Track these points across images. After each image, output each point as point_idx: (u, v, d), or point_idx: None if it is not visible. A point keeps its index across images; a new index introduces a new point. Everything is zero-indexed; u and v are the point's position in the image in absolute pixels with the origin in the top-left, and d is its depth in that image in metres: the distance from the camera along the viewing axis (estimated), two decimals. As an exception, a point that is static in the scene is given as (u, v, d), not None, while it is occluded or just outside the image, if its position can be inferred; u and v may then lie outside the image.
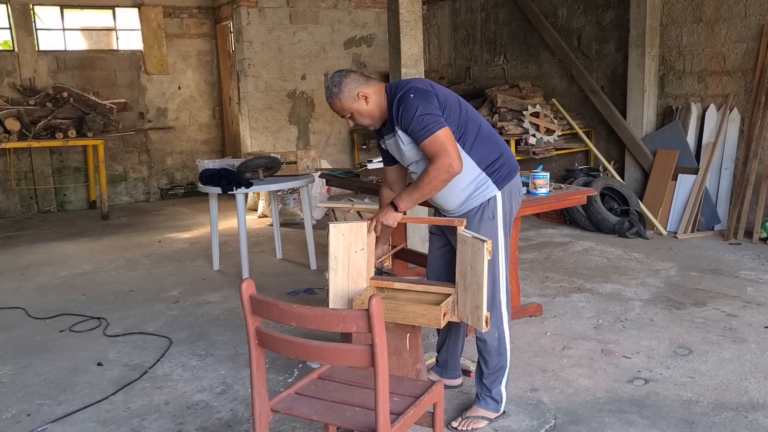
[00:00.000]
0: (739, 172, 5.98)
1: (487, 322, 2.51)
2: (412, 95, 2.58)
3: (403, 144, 2.68)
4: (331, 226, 2.66)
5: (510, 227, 2.86)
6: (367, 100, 2.66)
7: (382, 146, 2.86)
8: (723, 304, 4.19)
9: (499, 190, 2.75)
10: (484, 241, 2.43)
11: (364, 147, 9.00)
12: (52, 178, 8.56)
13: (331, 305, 2.73)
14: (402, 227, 4.75)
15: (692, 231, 6.03)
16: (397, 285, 2.81)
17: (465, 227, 2.64)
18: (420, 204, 3.25)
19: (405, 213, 2.79)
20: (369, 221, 2.76)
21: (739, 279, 4.69)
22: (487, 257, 2.42)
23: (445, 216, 2.87)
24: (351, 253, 2.70)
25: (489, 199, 2.74)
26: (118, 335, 4.07)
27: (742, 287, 4.50)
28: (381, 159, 4.49)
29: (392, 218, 2.73)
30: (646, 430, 2.77)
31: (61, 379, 3.47)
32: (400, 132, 2.65)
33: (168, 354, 3.75)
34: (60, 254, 6.19)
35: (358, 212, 3.25)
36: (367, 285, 2.76)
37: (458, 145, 2.66)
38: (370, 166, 4.90)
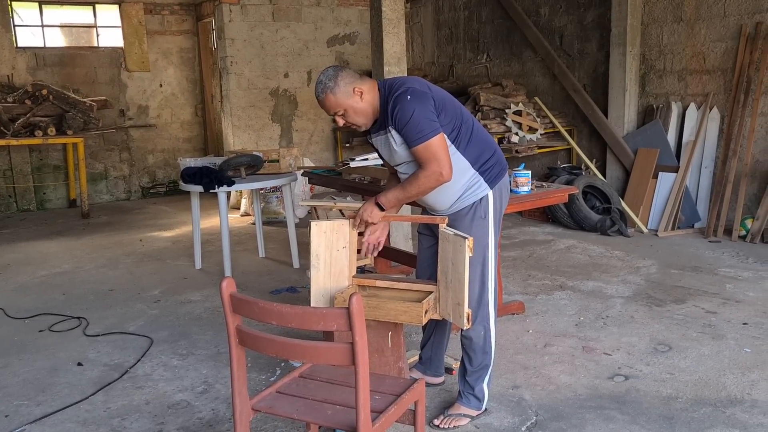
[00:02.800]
0: (718, 171, 6.04)
1: (468, 319, 2.51)
2: (408, 97, 2.53)
3: (395, 144, 2.64)
4: (313, 224, 2.65)
5: (499, 225, 2.86)
6: (362, 96, 2.59)
7: (372, 143, 2.83)
8: (702, 301, 4.23)
9: (491, 189, 2.74)
10: (465, 238, 2.44)
11: (348, 145, 8.99)
12: (32, 176, 8.45)
13: (313, 303, 2.72)
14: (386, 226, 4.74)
15: (673, 229, 6.09)
16: (379, 283, 2.81)
17: (449, 225, 2.65)
18: (408, 203, 3.25)
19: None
20: (351, 218, 2.75)
21: (718, 276, 4.74)
22: (468, 254, 2.42)
23: (432, 215, 2.86)
24: (333, 251, 2.70)
25: (481, 199, 2.73)
26: (99, 335, 4.03)
27: (721, 284, 4.55)
28: (366, 157, 4.52)
29: (375, 216, 2.72)
30: (626, 426, 2.79)
31: (40, 380, 3.43)
32: (393, 132, 2.61)
33: (149, 353, 3.72)
34: (39, 253, 6.12)
35: (340, 210, 3.24)
36: (349, 283, 2.76)
37: (453, 146, 2.64)
38: (353, 164, 4.89)
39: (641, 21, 6.61)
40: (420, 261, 3.01)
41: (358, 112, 2.61)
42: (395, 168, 2.79)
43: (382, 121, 2.65)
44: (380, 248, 2.83)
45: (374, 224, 2.76)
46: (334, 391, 2.20)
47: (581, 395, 3.07)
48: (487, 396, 2.90)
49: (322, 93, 2.58)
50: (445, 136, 2.60)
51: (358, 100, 2.59)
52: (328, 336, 2.94)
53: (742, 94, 5.87)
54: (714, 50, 6.11)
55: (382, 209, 2.71)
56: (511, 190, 3.73)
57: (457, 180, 2.67)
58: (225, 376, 3.37)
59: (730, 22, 5.96)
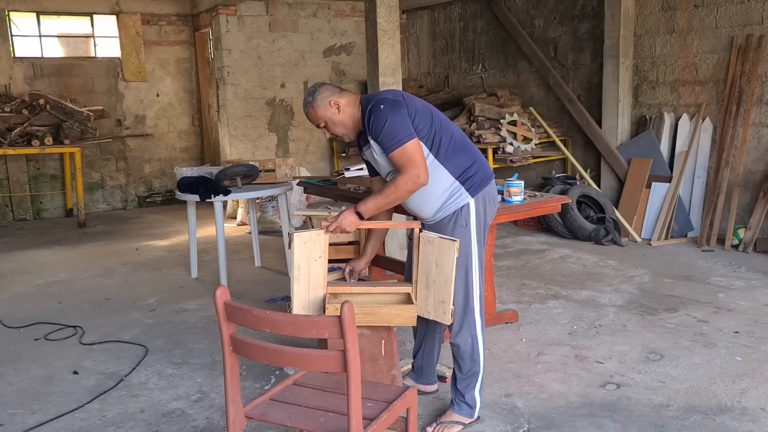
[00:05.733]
0: (711, 180, 6.09)
1: (452, 315, 2.62)
2: (382, 106, 2.65)
3: (376, 155, 2.74)
4: (295, 236, 2.64)
5: (484, 235, 2.88)
6: (339, 108, 2.74)
7: (363, 157, 2.91)
8: (694, 310, 4.26)
9: (473, 197, 2.79)
10: (453, 240, 2.53)
11: (344, 155, 9.02)
12: (28, 185, 8.47)
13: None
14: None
15: (666, 238, 6.13)
16: (354, 290, 2.83)
17: (421, 229, 2.74)
18: (397, 212, 3.29)
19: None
20: (328, 224, 2.76)
21: (710, 285, 4.77)
22: (455, 255, 2.53)
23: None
24: (311, 262, 2.71)
25: (462, 207, 2.77)
26: (94, 343, 4.04)
27: (713, 293, 4.58)
28: (361, 167, 4.56)
29: (354, 224, 2.75)
30: (618, 433, 2.82)
31: (36, 388, 3.44)
32: (373, 143, 2.71)
33: (144, 362, 3.74)
34: (35, 262, 6.13)
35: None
36: (324, 293, 2.76)
37: (432, 155, 2.72)
38: (348, 174, 4.92)
39: (634, 32, 6.67)
40: (409, 265, 3.04)
41: (336, 124, 2.78)
42: (386, 177, 2.85)
43: (364, 134, 2.75)
44: None
45: (348, 232, 2.79)
46: (327, 399, 2.22)
47: (573, 403, 3.09)
48: (479, 404, 2.92)
49: (305, 108, 2.81)
50: (422, 144, 2.67)
51: (336, 112, 2.75)
52: (322, 344, 2.96)
53: (734, 104, 5.92)
54: (706, 61, 6.17)
55: (361, 218, 2.75)
56: (504, 200, 3.77)
57: (438, 188, 2.74)
58: (220, 384, 3.38)
59: (721, 34, 6.03)
